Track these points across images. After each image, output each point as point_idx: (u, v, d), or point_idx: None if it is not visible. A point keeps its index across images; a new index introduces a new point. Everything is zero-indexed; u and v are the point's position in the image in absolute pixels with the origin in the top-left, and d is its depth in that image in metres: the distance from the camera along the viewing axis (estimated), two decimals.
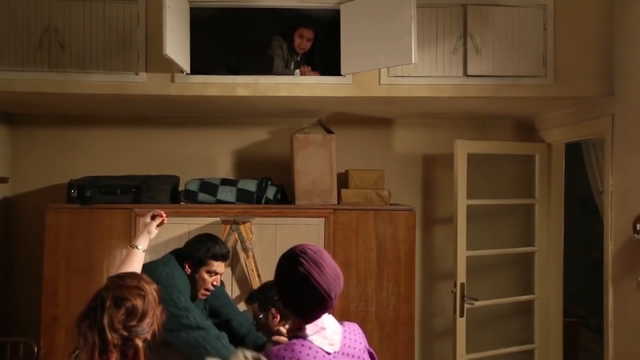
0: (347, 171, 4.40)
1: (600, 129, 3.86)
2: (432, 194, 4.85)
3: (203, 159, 4.73)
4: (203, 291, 3.06)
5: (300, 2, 3.75)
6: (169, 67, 3.57)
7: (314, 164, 4.20)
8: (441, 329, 4.80)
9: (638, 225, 3.44)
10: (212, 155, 4.77)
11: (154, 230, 2.74)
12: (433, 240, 4.85)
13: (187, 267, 3.04)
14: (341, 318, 4.19)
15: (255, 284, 3.94)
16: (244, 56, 4.21)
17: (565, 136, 4.42)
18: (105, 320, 1.82)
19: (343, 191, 4.29)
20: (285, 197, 4.41)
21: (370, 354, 2.17)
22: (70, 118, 4.69)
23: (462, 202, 4.29)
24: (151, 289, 1.95)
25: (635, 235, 3.47)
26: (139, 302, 1.88)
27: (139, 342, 1.85)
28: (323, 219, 4.17)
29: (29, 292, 4.47)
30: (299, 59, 4.23)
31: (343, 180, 4.40)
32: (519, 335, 4.71)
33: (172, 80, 3.70)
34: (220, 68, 4.02)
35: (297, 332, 2.00)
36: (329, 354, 1.97)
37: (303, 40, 4.17)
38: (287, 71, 4.08)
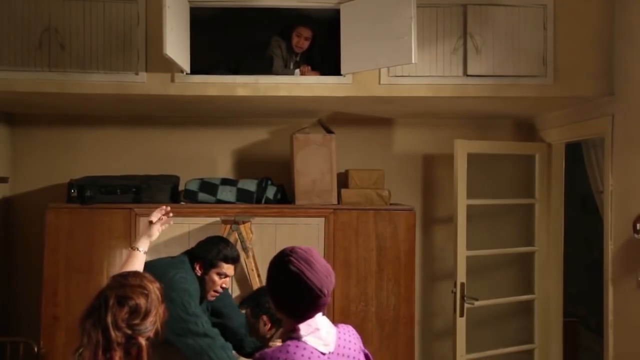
0: (347, 171, 4.40)
1: (600, 129, 3.86)
2: (432, 193, 4.85)
3: (203, 159, 4.73)
4: (212, 292, 3.07)
5: (301, 1, 3.75)
6: (169, 67, 3.57)
7: (314, 163, 4.20)
8: (441, 329, 4.80)
9: (638, 225, 3.44)
10: (212, 155, 4.77)
11: (155, 232, 2.75)
12: (433, 240, 4.85)
13: (197, 268, 3.05)
14: (341, 318, 4.21)
15: (255, 284, 3.94)
16: (243, 56, 4.21)
17: (565, 136, 4.42)
18: (109, 319, 1.83)
19: (343, 191, 4.29)
20: (285, 197, 4.41)
21: (366, 355, 2.17)
22: (70, 118, 4.69)
23: (462, 202, 4.29)
24: (154, 288, 1.96)
25: (635, 235, 3.47)
26: (142, 301, 1.89)
27: (143, 341, 1.86)
28: (323, 219, 4.17)
29: (29, 292, 4.47)
30: (298, 59, 4.23)
31: (343, 180, 4.40)
32: (519, 335, 4.71)
33: (172, 80, 3.70)
34: (220, 68, 4.02)
35: (291, 334, 1.98)
36: (323, 354, 1.96)
37: (301, 39, 4.17)
38: (287, 71, 4.08)
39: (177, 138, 4.75)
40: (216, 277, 3.05)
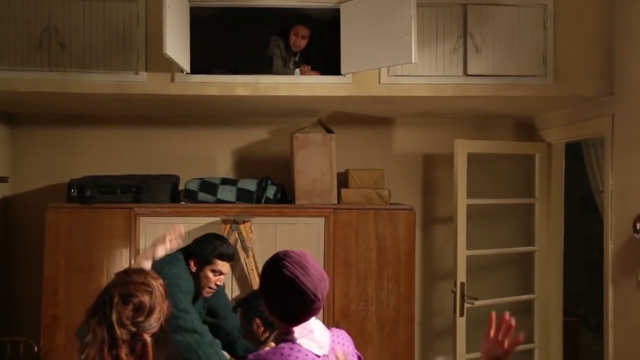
0: (347, 171, 4.40)
1: (600, 129, 3.86)
2: (432, 193, 4.85)
3: (203, 159, 4.73)
4: (207, 289, 3.07)
5: (301, 1, 3.75)
6: (169, 66, 3.57)
7: (314, 163, 4.20)
8: (441, 329, 4.80)
9: (638, 225, 3.44)
10: (212, 155, 4.77)
11: (166, 248, 2.80)
12: (433, 239, 4.85)
13: (192, 264, 3.05)
14: (341, 317, 4.22)
15: (255, 283, 3.94)
16: (243, 56, 4.21)
17: (565, 136, 4.42)
18: (114, 317, 1.85)
19: (343, 191, 4.29)
20: (285, 197, 4.41)
21: (359, 358, 2.17)
22: (70, 118, 4.69)
23: (462, 202, 4.29)
24: (158, 285, 1.97)
25: (635, 235, 3.47)
26: (146, 298, 1.90)
27: (147, 337, 1.88)
28: (323, 219, 4.17)
29: (29, 291, 4.47)
30: (297, 58, 4.23)
31: (343, 180, 4.40)
32: (519, 335, 4.70)
33: (172, 80, 3.69)
34: (220, 68, 4.02)
35: (285, 337, 1.97)
36: (318, 357, 1.95)
37: (298, 37, 4.15)
38: (287, 70, 4.08)
39: (177, 138, 4.75)
40: (210, 274, 3.05)
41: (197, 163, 4.68)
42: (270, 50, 4.15)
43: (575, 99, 3.91)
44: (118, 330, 1.83)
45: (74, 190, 4.15)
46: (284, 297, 1.94)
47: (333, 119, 4.63)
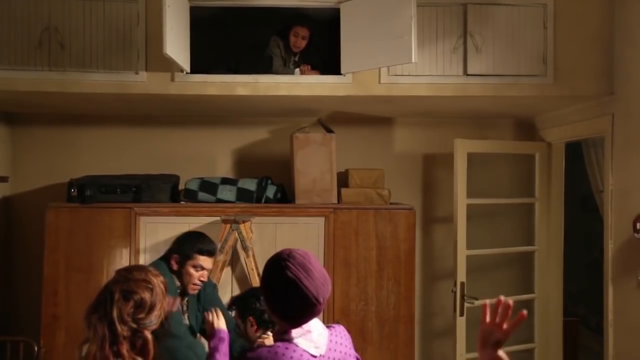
0: (347, 170, 4.40)
1: (600, 128, 3.86)
2: (432, 193, 4.85)
3: (203, 158, 4.73)
4: (192, 286, 3.07)
5: (301, 1, 3.75)
6: (169, 66, 3.57)
7: (314, 163, 4.20)
8: (441, 328, 4.80)
9: (638, 225, 3.45)
10: (212, 155, 4.77)
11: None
12: (433, 239, 4.85)
13: (173, 263, 3.04)
14: (341, 317, 4.21)
15: (255, 283, 3.94)
16: (243, 56, 4.21)
17: (565, 135, 4.42)
18: (115, 313, 1.85)
19: (343, 190, 4.29)
20: (285, 196, 4.41)
21: (357, 358, 2.16)
22: (70, 117, 4.69)
23: (462, 202, 4.29)
24: (158, 282, 1.98)
25: (635, 235, 3.47)
26: (147, 295, 1.91)
27: (148, 334, 1.88)
28: (323, 218, 4.17)
29: (29, 291, 4.47)
30: (297, 58, 4.23)
31: (343, 180, 4.40)
32: (519, 334, 4.70)
33: (172, 80, 3.70)
34: (220, 67, 4.02)
35: (282, 336, 1.97)
36: (314, 357, 1.95)
37: (298, 38, 4.16)
38: (286, 70, 4.08)
39: (177, 138, 4.75)
40: (192, 270, 3.04)
41: (197, 163, 4.68)
42: (270, 50, 4.15)
43: (575, 99, 3.91)
44: (119, 327, 1.84)
45: (74, 190, 4.15)
46: (285, 298, 1.93)
47: (333, 118, 4.63)
